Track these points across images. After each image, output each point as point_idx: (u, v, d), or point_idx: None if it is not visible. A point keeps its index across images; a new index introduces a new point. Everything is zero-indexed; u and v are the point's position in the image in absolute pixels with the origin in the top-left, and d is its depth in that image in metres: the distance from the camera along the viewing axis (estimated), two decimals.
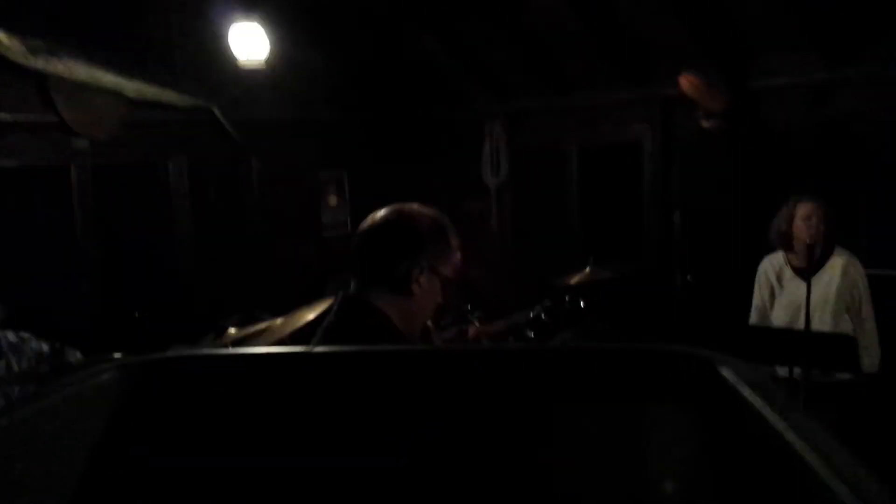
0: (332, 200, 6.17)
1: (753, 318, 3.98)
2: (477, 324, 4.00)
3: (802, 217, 3.54)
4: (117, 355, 2.86)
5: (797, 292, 3.53)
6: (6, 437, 0.56)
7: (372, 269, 1.76)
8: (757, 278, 3.96)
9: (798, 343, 3.28)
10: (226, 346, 2.82)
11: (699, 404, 0.68)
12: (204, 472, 0.69)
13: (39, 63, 4.47)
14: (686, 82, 4.81)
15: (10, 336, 3.10)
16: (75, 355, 3.00)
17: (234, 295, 5.55)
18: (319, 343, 1.73)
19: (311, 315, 3.09)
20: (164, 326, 3.65)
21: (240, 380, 0.71)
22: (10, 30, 4.31)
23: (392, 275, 1.73)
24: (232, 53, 4.81)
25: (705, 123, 4.98)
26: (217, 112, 5.30)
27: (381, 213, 1.79)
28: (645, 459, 0.69)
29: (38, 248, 4.89)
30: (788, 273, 3.71)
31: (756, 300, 3.95)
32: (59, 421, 0.61)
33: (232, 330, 2.90)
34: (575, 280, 4.18)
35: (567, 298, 4.21)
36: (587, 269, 4.23)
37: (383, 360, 0.73)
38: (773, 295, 3.77)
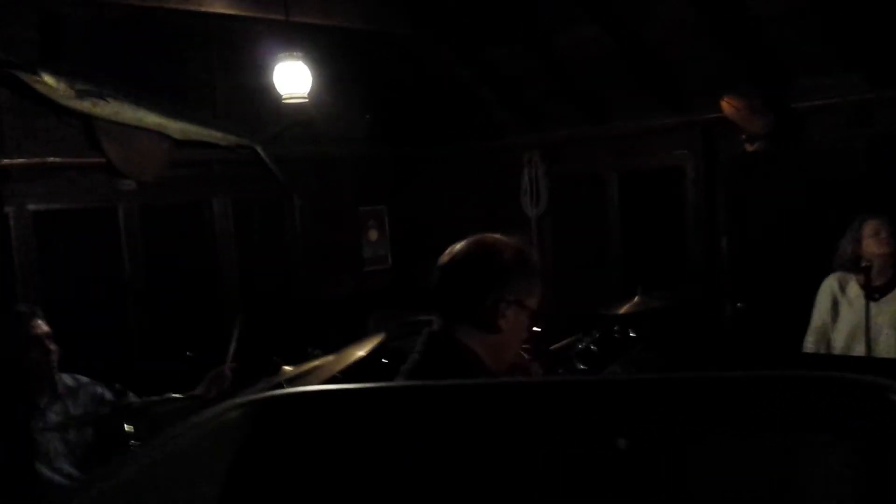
0: (373, 235, 6.18)
1: (809, 340, 3.88)
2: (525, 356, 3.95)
3: (871, 234, 3.49)
4: (176, 395, 2.86)
5: (861, 314, 3.45)
6: (140, 481, 0.54)
7: (457, 305, 1.69)
8: (818, 298, 3.88)
9: (860, 370, 3.19)
10: (281, 384, 2.80)
11: (866, 436, 0.64)
12: None
13: (86, 105, 4.57)
14: (728, 106, 4.77)
15: (67, 379, 3.12)
16: (135, 397, 3.01)
17: (278, 331, 5.56)
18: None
19: (361, 352, 3.07)
20: (214, 364, 3.65)
21: (362, 415, 0.69)
22: (57, 73, 4.41)
23: (478, 310, 1.65)
24: (272, 90, 4.87)
25: (749, 147, 4.93)
26: (259, 150, 5.36)
27: (463, 245, 1.73)
28: (802, 494, 0.65)
29: (87, 289, 4.95)
30: (853, 293, 3.63)
31: (815, 321, 3.86)
32: (191, 462, 0.59)
33: (287, 367, 2.89)
34: (623, 309, 4.12)
35: (616, 328, 4.15)
36: (636, 298, 4.16)
37: (507, 392, 0.70)
38: (834, 316, 3.69)
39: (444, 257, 1.73)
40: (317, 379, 2.83)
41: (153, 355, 4.82)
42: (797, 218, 4.74)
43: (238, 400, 0.67)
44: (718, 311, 5.07)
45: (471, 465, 0.69)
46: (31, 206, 4.65)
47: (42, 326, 2.97)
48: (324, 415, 0.68)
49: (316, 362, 2.88)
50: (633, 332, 4.17)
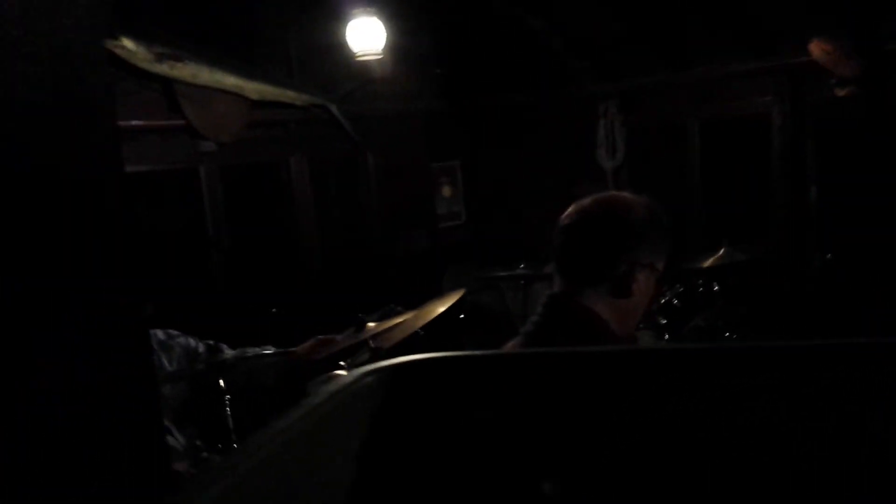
0: (446, 191, 6.17)
1: None
2: None
3: None
4: (269, 349, 2.92)
5: None
6: (282, 450, 0.55)
7: (586, 269, 1.57)
8: None
9: None
10: (366, 341, 2.84)
11: None
12: (461, 478, 0.67)
13: (164, 69, 4.64)
14: (817, 49, 4.54)
15: (159, 334, 3.22)
16: (229, 350, 3.09)
17: (356, 288, 5.64)
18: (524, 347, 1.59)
19: (441, 308, 3.08)
20: (298, 320, 3.74)
21: (493, 381, 0.68)
22: (136, 37, 4.48)
23: (611, 274, 1.54)
24: (345, 48, 4.86)
25: (839, 92, 4.70)
26: (333, 109, 5.38)
27: (590, 202, 1.60)
28: None
29: (172, 248, 5.10)
30: None
31: None
32: (331, 429, 0.59)
33: (371, 324, 2.92)
34: (707, 263, 4.02)
35: (700, 282, 4.06)
36: (721, 251, 4.05)
37: (667, 359, 0.67)
38: None
39: (569, 216, 1.60)
40: (401, 334, 2.86)
41: (238, 312, 4.96)
42: (889, 165, 4.52)
43: (373, 366, 0.67)
44: (805, 264, 4.91)
45: (606, 434, 0.68)
46: None
47: None
48: (457, 380, 0.67)
49: (398, 319, 2.89)
50: (716, 286, 4.08)
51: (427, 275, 5.72)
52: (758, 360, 0.65)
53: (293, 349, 3.24)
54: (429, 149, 6.08)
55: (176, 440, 3.05)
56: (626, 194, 1.65)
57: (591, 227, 1.57)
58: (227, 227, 5.14)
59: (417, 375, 0.65)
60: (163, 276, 4.85)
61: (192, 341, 3.27)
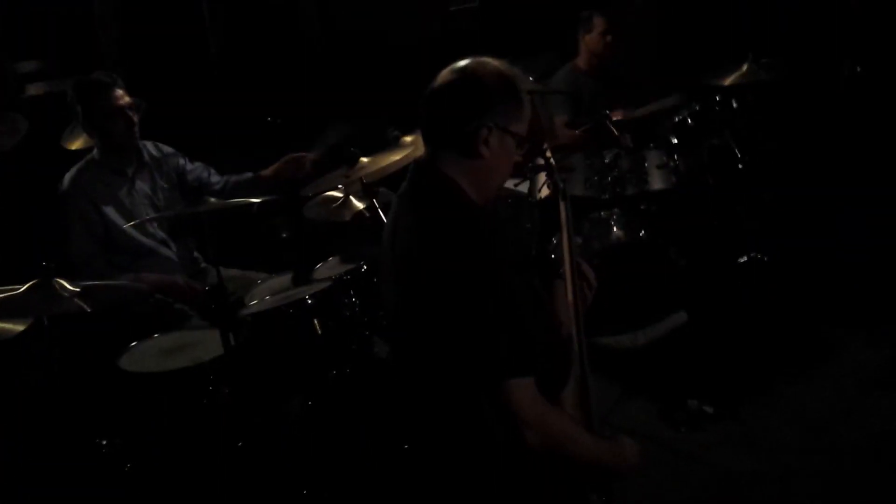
0: None
1: None
2: (614, 129, 3.76)
3: None
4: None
5: None
6: None
7: (438, 133, 1.69)
8: None
9: None
10: (361, 179, 2.72)
11: None
12: None
13: None
14: None
15: (151, 148, 3.16)
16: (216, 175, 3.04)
17: (359, 76, 5.43)
18: (395, 210, 1.75)
19: None
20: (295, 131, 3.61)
21: None
22: None
23: (458, 137, 1.65)
24: None
25: None
26: None
27: (446, 71, 1.69)
28: None
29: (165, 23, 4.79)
30: None
31: None
32: None
33: (364, 159, 2.80)
34: (728, 80, 3.78)
35: (717, 99, 3.85)
36: (744, 67, 3.79)
37: None
38: None
39: (432, 83, 1.70)
40: (397, 166, 2.75)
41: (235, 91, 4.78)
42: None
43: None
44: (834, 74, 4.63)
45: None
46: None
47: (124, 97, 2.93)
48: None
49: (396, 156, 2.76)
50: (735, 104, 3.86)
51: (437, 66, 5.45)
52: None
53: (266, 172, 3.19)
54: None
55: (171, 251, 3.09)
56: (484, 60, 1.69)
57: (443, 93, 1.67)
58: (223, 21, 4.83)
59: None
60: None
61: (180, 160, 3.21)
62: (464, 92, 1.65)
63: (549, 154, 1.92)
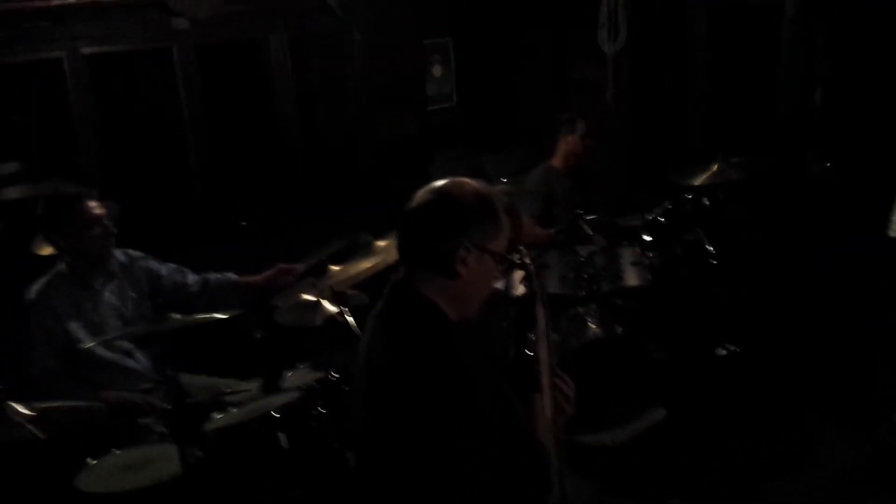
0: (437, 71, 5.85)
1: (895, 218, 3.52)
2: (587, 228, 3.80)
3: None
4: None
5: None
6: None
7: (415, 252, 1.69)
8: None
9: None
10: (331, 288, 2.70)
11: None
12: None
13: None
14: None
15: (119, 255, 3.09)
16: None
17: (339, 174, 5.50)
18: (370, 330, 1.71)
19: None
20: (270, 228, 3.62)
21: None
22: None
23: (436, 257, 1.65)
24: None
25: None
26: None
27: (424, 190, 1.70)
28: None
29: (145, 133, 4.91)
30: None
31: None
32: None
33: (334, 267, 2.79)
34: (699, 181, 3.84)
35: (689, 198, 3.90)
36: (714, 167, 3.86)
37: None
38: None
39: (409, 203, 1.70)
40: (368, 273, 2.73)
41: (215, 200, 4.83)
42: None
43: None
44: (804, 171, 4.72)
45: None
46: (86, 49, 4.52)
47: (98, 207, 2.90)
48: None
49: (367, 262, 2.74)
50: (707, 202, 3.92)
51: (414, 161, 5.54)
52: None
53: (252, 278, 3.17)
54: (419, 25, 5.71)
55: (135, 362, 3.03)
56: (462, 180, 1.70)
57: (420, 213, 1.67)
58: (203, 111, 4.90)
59: None
60: (134, 165, 4.70)
61: (151, 263, 3.15)
62: (440, 212, 1.65)
63: (526, 258, 1.89)
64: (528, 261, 1.87)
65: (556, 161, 4.34)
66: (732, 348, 3.88)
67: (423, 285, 1.66)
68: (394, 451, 1.57)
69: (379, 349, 1.65)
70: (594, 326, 3.70)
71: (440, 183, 1.70)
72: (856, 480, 3.21)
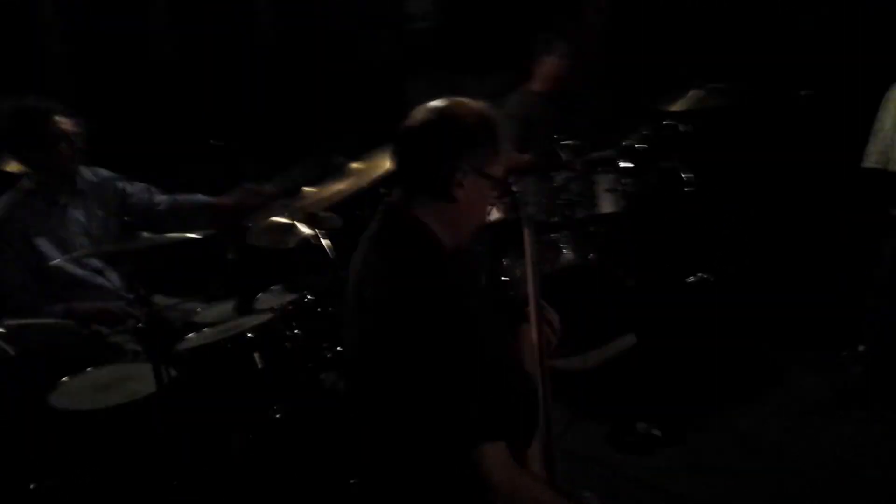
0: None
1: (870, 149, 3.51)
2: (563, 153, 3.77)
3: None
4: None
5: None
6: None
7: (411, 175, 1.63)
8: (883, 102, 3.49)
9: None
10: (305, 211, 2.66)
11: None
12: None
13: None
14: None
15: (86, 173, 3.02)
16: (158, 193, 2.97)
17: (313, 97, 5.36)
18: (362, 253, 1.66)
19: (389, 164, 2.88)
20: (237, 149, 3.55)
21: None
22: None
23: (432, 180, 1.60)
24: None
25: None
26: None
27: (423, 110, 1.62)
28: None
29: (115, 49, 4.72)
30: None
31: (876, 126, 3.47)
32: None
33: (308, 189, 2.75)
34: (677, 106, 3.81)
35: (665, 124, 3.88)
36: (690, 94, 3.83)
37: None
38: None
39: (406, 123, 1.62)
40: (341, 195, 2.70)
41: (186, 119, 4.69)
42: None
43: None
44: (784, 98, 4.68)
45: None
46: None
47: (66, 123, 2.83)
48: None
49: (339, 185, 2.70)
50: (683, 128, 3.90)
51: (393, 83, 5.41)
52: None
53: (222, 199, 3.12)
54: None
55: (108, 281, 3.00)
56: (462, 100, 1.63)
57: (419, 134, 1.60)
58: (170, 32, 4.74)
59: None
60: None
61: (120, 183, 3.09)
62: (442, 133, 1.59)
63: (512, 185, 1.85)
64: (514, 187, 1.85)
65: (535, 84, 4.26)
66: (703, 276, 3.93)
67: (418, 210, 1.62)
68: (390, 375, 1.54)
69: (373, 275, 1.60)
70: (567, 252, 3.73)
71: (440, 102, 1.63)
72: (821, 409, 3.30)
